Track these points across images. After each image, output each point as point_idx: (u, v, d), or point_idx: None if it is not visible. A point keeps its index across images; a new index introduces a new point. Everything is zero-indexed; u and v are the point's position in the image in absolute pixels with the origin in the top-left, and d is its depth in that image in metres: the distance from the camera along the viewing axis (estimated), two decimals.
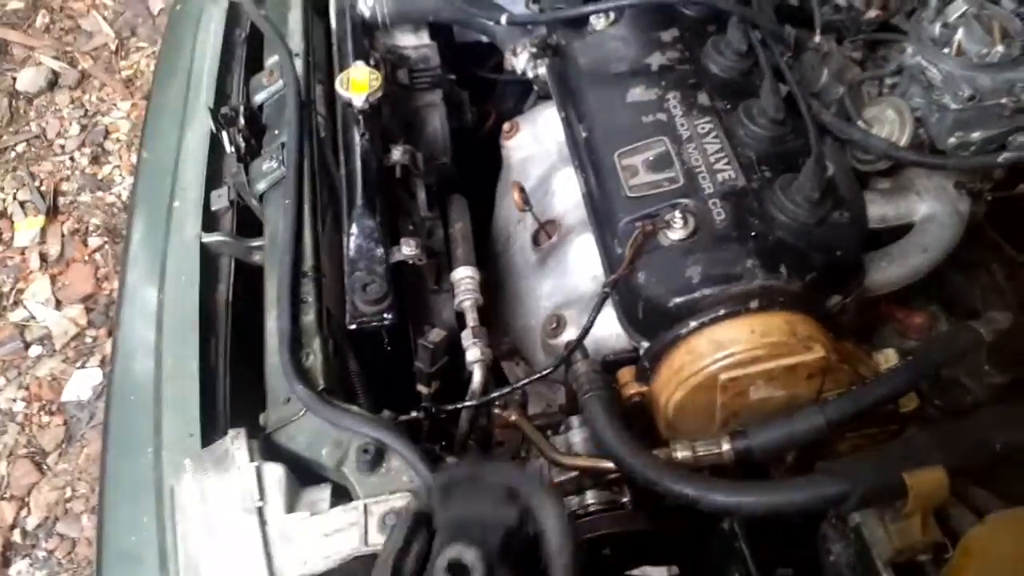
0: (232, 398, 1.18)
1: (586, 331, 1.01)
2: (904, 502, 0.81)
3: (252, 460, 0.93)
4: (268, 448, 0.98)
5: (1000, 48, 1.05)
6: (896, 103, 1.12)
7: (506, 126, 1.42)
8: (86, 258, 2.79)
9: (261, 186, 1.25)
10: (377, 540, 0.85)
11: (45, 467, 2.38)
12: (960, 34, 1.09)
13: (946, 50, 1.10)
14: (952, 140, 1.10)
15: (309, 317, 1.06)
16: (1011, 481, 0.92)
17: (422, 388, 1.11)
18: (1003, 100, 1.06)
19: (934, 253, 1.14)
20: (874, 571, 0.85)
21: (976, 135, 1.10)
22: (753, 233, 0.97)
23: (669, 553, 1.09)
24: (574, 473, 1.01)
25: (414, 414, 0.99)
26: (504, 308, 1.33)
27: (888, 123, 1.11)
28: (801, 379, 0.95)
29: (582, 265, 1.18)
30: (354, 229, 1.12)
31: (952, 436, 0.85)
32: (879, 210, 1.16)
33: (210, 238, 1.28)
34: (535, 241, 1.30)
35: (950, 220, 1.16)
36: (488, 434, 1.11)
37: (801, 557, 1.00)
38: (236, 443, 0.95)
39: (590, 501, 1.03)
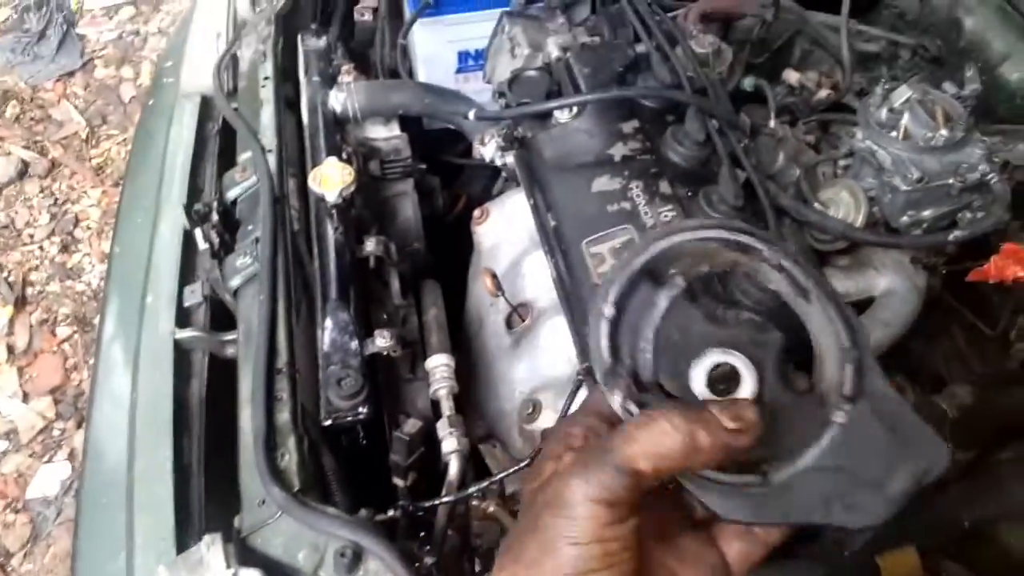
0: (207, 499, 1.17)
1: (563, 417, 1.01)
2: None
3: (228, 567, 0.92)
4: (244, 552, 0.96)
5: (944, 132, 1.11)
6: (850, 185, 1.16)
7: (477, 212, 1.45)
8: (55, 348, 2.77)
9: (235, 282, 1.26)
10: None
11: (9, 568, 2.31)
12: (905, 119, 1.15)
13: (893, 134, 1.15)
14: (904, 219, 1.15)
15: (284, 415, 1.06)
16: (979, 552, 0.93)
17: (398, 481, 1.11)
18: (950, 180, 1.11)
19: (895, 328, 1.17)
20: None
21: (927, 213, 1.14)
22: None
23: None
24: None
25: (391, 513, 0.99)
26: (478, 392, 1.33)
27: (843, 204, 1.15)
28: None
29: (556, 348, 1.20)
30: (328, 323, 1.13)
31: (921, 516, 0.87)
32: (840, 286, 1.20)
33: (183, 334, 1.28)
34: (508, 324, 1.31)
35: (909, 295, 1.19)
36: (467, 526, 1.11)
37: None
38: (211, 550, 0.94)
39: None
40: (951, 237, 1.09)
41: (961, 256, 1.25)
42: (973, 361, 1.44)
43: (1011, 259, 0.71)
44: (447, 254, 1.61)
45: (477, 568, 1.12)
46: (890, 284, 1.19)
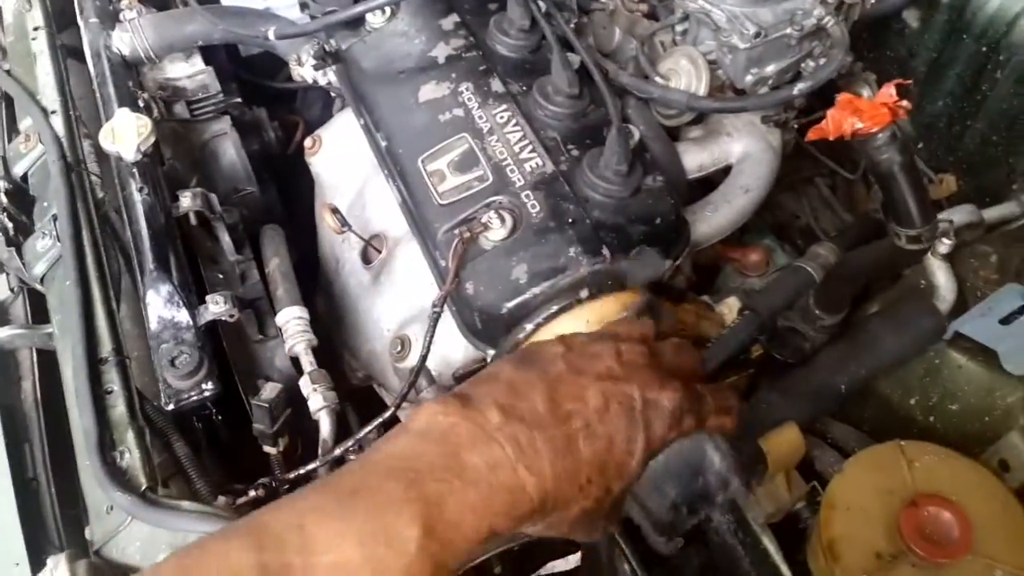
0: (65, 508, 1.06)
1: (423, 358, 0.94)
2: (765, 466, 0.79)
3: None
4: (99, 567, 0.87)
5: None
6: (688, 51, 1.09)
7: (308, 142, 1.32)
8: None
9: (40, 268, 1.10)
10: None
11: None
12: None
13: None
14: (749, 78, 1.09)
15: (118, 408, 0.94)
16: (859, 408, 0.93)
17: (269, 449, 1.03)
18: (788, 31, 1.05)
19: (756, 191, 1.13)
20: (754, 536, 0.84)
21: (770, 68, 1.09)
22: (570, 220, 0.93)
23: (563, 550, 1.06)
24: None
25: (253, 494, 0.90)
26: (348, 335, 1.24)
27: (684, 73, 1.09)
28: None
29: (415, 277, 1.11)
30: (150, 297, 1.01)
31: (799, 388, 0.85)
32: (695, 159, 1.15)
33: None
34: (364, 260, 1.22)
35: (764, 155, 1.16)
36: None
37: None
38: (57, 572, 0.84)
39: None
40: (795, 91, 1.04)
41: (812, 106, 1.21)
42: (839, 207, 1.44)
43: (847, 111, 0.66)
44: (292, 191, 1.49)
45: None
46: (744, 148, 1.15)
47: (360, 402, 1.17)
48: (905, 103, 0.67)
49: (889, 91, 0.67)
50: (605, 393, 0.59)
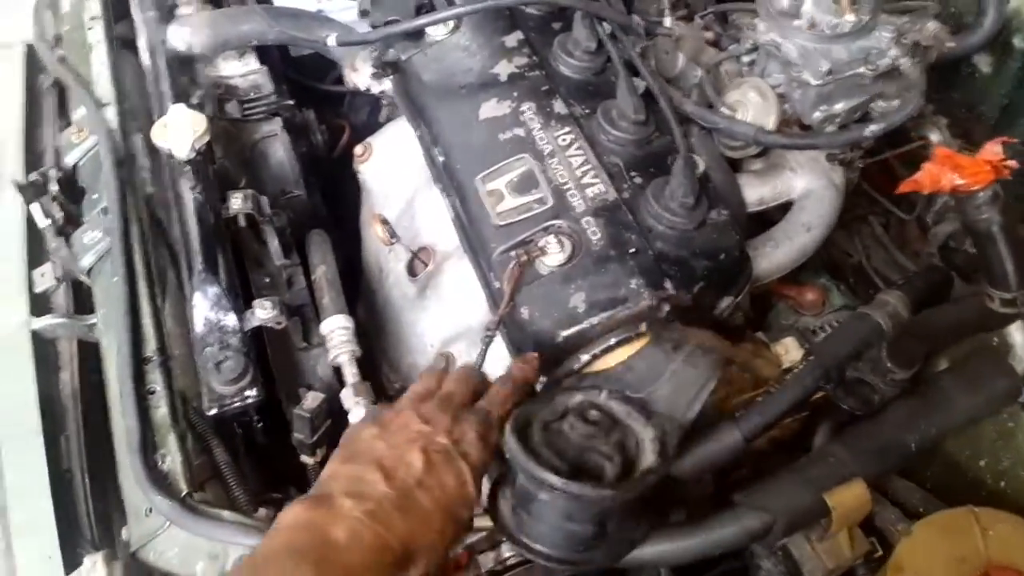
0: (100, 504, 1.04)
1: None
2: (828, 522, 0.77)
3: None
4: (136, 569, 0.86)
5: (850, 17, 1.02)
6: (758, 84, 1.07)
7: (358, 149, 1.31)
8: None
9: (87, 260, 1.10)
10: None
11: None
12: (808, 5, 1.05)
13: (797, 23, 1.06)
14: (817, 114, 1.07)
15: (161, 410, 0.93)
16: (925, 466, 0.91)
17: (306, 459, 1.01)
18: (861, 70, 1.03)
19: (818, 230, 1.11)
20: None
21: (839, 106, 1.07)
22: (632, 250, 0.91)
23: None
24: (484, 532, 0.93)
25: None
26: (388, 346, 1.23)
27: (752, 106, 1.06)
28: None
29: (463, 294, 1.09)
30: (197, 299, 1.00)
31: (867, 444, 0.82)
32: (756, 192, 1.12)
33: (41, 323, 1.13)
34: (410, 272, 1.20)
35: (827, 193, 1.13)
36: None
37: (732, 569, 0.96)
38: (93, 573, 0.83)
39: (507, 555, 0.96)
40: (867, 132, 1.01)
41: (877, 146, 1.19)
42: (892, 247, 1.41)
43: (946, 166, 0.64)
44: (337, 195, 1.47)
45: None
46: (807, 185, 1.12)
47: None
48: (1012, 163, 0.65)
49: (994, 148, 0.65)
50: (423, 450, 0.74)
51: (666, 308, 0.86)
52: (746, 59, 1.14)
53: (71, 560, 0.94)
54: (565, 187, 0.97)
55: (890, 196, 1.35)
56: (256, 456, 1.07)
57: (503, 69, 1.08)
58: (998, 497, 0.87)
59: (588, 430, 0.76)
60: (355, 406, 1.01)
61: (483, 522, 0.88)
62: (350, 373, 1.05)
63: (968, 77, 1.24)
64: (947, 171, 0.65)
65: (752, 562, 0.89)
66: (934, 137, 1.15)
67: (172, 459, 0.90)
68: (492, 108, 1.04)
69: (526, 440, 0.75)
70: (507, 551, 0.95)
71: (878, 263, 1.39)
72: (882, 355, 0.85)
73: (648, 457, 0.74)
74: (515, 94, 1.05)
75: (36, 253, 1.19)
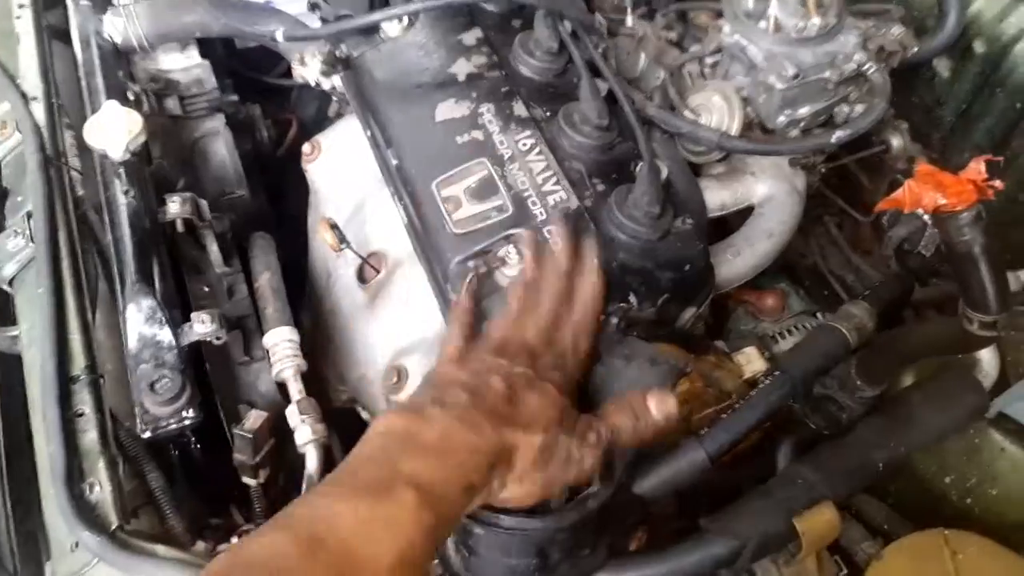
0: (20, 536, 0.97)
1: None
2: (797, 546, 0.74)
3: None
4: None
5: (816, 20, 1.00)
6: (722, 88, 1.04)
7: (306, 148, 1.25)
8: None
9: (9, 269, 1.01)
10: None
11: None
12: (774, 7, 1.03)
13: (763, 24, 1.03)
14: (782, 119, 1.05)
15: (89, 434, 0.86)
16: (893, 484, 0.89)
17: (249, 481, 0.95)
18: (826, 74, 1.00)
19: (779, 236, 1.09)
20: None
21: (804, 111, 1.04)
22: None
23: None
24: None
25: (235, 540, 0.83)
26: (337, 356, 1.17)
27: (716, 110, 1.03)
28: None
29: (416, 303, 1.04)
30: (130, 312, 0.93)
31: (835, 464, 0.80)
32: (717, 197, 1.09)
33: None
34: (360, 278, 1.14)
35: (789, 199, 1.11)
36: None
37: None
38: None
39: None
40: (833, 139, 0.99)
41: (838, 151, 1.17)
42: (847, 248, 1.40)
43: (928, 184, 0.61)
44: (283, 194, 1.41)
45: None
46: (769, 190, 1.10)
47: (340, 424, 1.10)
48: (997, 183, 0.62)
49: (978, 167, 0.62)
50: (504, 377, 0.75)
51: (615, 322, 0.83)
52: (710, 60, 1.11)
53: None
54: (525, 194, 0.93)
55: (845, 197, 1.35)
56: (194, 478, 1.01)
57: (461, 68, 1.03)
58: (964, 514, 0.85)
59: None
60: (300, 424, 0.96)
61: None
62: (295, 389, 0.99)
63: (928, 81, 1.23)
64: (929, 190, 0.62)
65: None
66: (895, 141, 1.14)
67: (101, 488, 0.83)
68: (449, 109, 0.99)
69: None
70: None
71: (833, 264, 1.38)
72: (851, 372, 0.83)
73: (593, 481, 0.71)
74: (474, 95, 1.00)
75: None
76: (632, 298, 0.85)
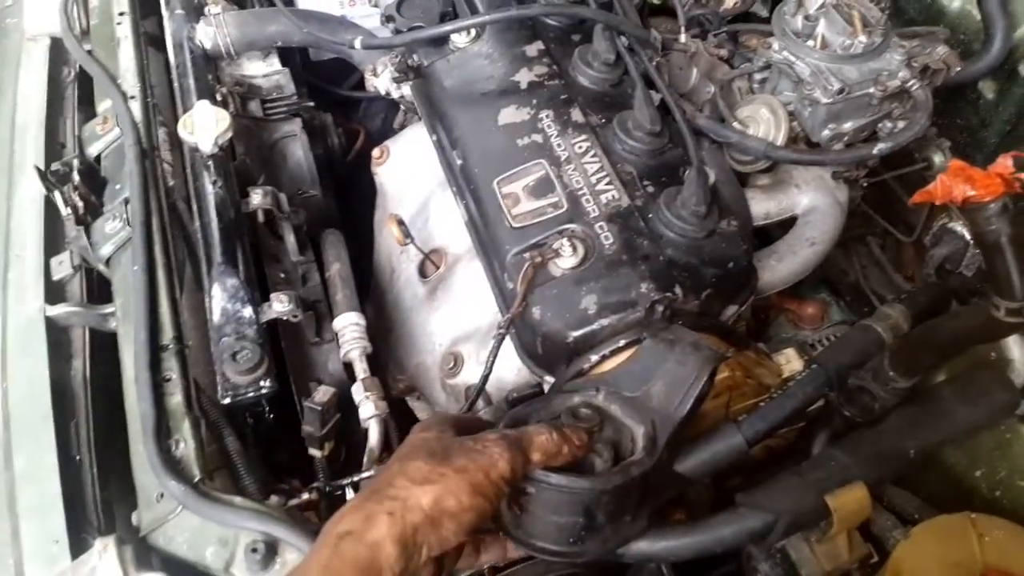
0: (103, 493, 1.06)
1: (485, 378, 0.94)
2: (829, 523, 0.78)
3: (124, 573, 0.82)
4: (144, 554, 0.87)
5: (862, 38, 1.05)
6: (769, 101, 1.10)
7: (376, 152, 1.34)
8: None
9: (106, 249, 1.12)
10: None
11: None
12: (821, 26, 1.09)
13: (810, 43, 1.09)
14: (826, 132, 1.10)
15: (176, 397, 0.95)
16: (922, 476, 0.92)
17: (315, 452, 1.03)
18: (871, 90, 1.05)
19: (821, 245, 1.13)
20: None
21: (848, 125, 1.09)
22: (643, 255, 0.93)
23: None
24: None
25: (305, 496, 0.90)
26: (396, 345, 1.25)
27: (763, 122, 1.09)
28: (708, 399, 0.92)
29: (474, 296, 1.12)
30: (216, 290, 1.02)
31: (867, 449, 0.84)
32: (762, 207, 1.15)
33: (56, 310, 1.14)
34: (421, 273, 1.22)
35: (832, 210, 1.16)
36: None
37: (729, 572, 0.98)
38: (104, 556, 0.84)
39: (511, 553, 0.98)
40: (875, 151, 1.04)
41: (879, 167, 1.22)
42: (889, 268, 1.44)
43: (959, 178, 0.66)
44: (349, 198, 1.50)
45: None
46: (812, 201, 1.15)
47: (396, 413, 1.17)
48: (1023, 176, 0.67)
49: (1006, 162, 0.67)
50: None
51: (661, 310, 0.88)
52: (758, 76, 1.17)
53: (77, 545, 0.95)
54: (580, 193, 0.99)
55: (888, 217, 1.38)
56: (265, 447, 1.09)
57: (523, 77, 1.10)
58: (993, 506, 0.88)
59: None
60: (365, 401, 1.03)
61: None
62: (360, 369, 1.07)
63: (972, 102, 1.27)
64: (960, 183, 0.67)
65: (749, 564, 0.91)
66: (937, 159, 1.18)
67: (185, 445, 0.91)
68: (511, 114, 1.07)
69: None
70: (511, 549, 0.97)
71: (874, 283, 1.41)
72: (884, 363, 0.87)
73: (638, 452, 0.76)
74: (534, 101, 1.08)
75: (54, 241, 1.21)
76: (677, 290, 0.91)
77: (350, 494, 0.96)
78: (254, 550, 0.80)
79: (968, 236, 1.10)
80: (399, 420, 1.10)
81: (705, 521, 0.80)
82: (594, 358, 0.92)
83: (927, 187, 0.70)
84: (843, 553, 0.81)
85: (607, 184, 1.00)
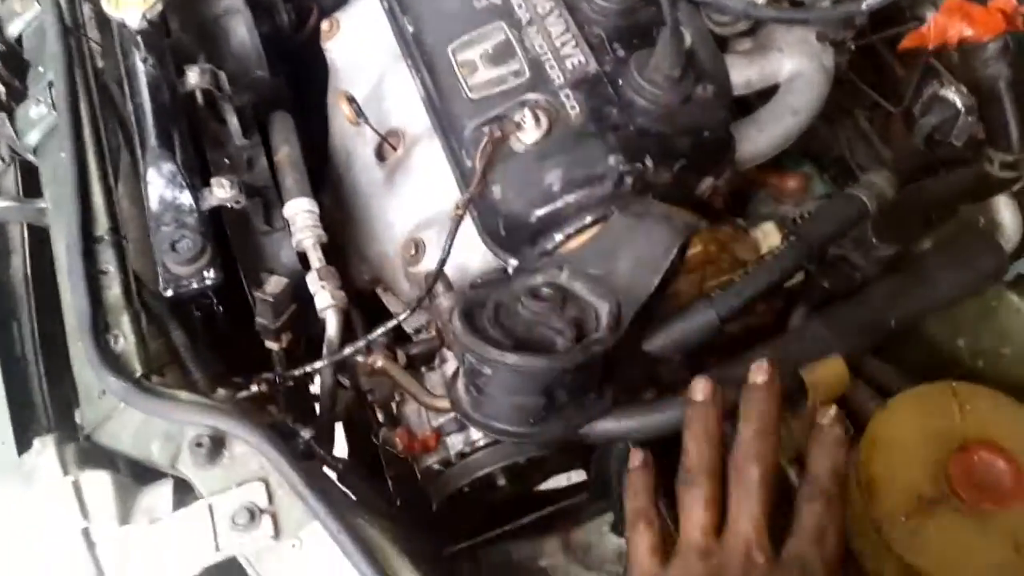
0: (54, 389, 1.02)
1: (442, 262, 0.88)
2: (804, 398, 0.75)
3: (67, 473, 0.78)
4: (88, 452, 0.83)
5: None
6: None
7: (324, 25, 1.24)
8: None
9: (33, 137, 1.03)
10: (229, 543, 0.73)
11: None
12: None
13: None
14: None
15: (113, 290, 0.89)
16: (903, 348, 0.88)
17: (271, 345, 0.98)
18: None
19: (805, 114, 1.05)
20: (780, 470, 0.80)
21: None
22: (612, 124, 0.86)
23: (566, 465, 1.03)
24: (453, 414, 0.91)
25: (254, 388, 0.85)
26: (356, 234, 1.18)
27: None
28: (681, 275, 0.87)
29: (434, 178, 1.04)
30: (151, 175, 0.94)
31: (846, 321, 0.80)
32: (742, 74, 1.06)
33: None
34: (379, 156, 1.15)
35: (817, 76, 1.07)
36: (356, 386, 1.00)
37: None
38: (43, 455, 0.80)
39: (475, 437, 0.95)
40: (864, 6, 0.95)
41: (866, 29, 1.13)
42: (876, 141, 1.37)
43: (956, 16, 0.59)
44: (304, 81, 1.40)
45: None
46: (796, 66, 1.07)
47: (363, 307, 1.12)
48: None
49: None
50: None
51: (630, 182, 0.82)
52: None
53: (25, 446, 0.91)
54: (543, 58, 0.91)
55: (876, 87, 1.30)
56: (219, 345, 1.04)
57: None
58: (975, 376, 0.85)
59: (541, 308, 0.73)
60: (320, 290, 0.97)
61: (444, 403, 0.86)
62: (315, 258, 1.00)
63: None
64: (956, 21, 0.60)
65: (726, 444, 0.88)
66: (928, 14, 1.09)
67: (125, 340, 0.86)
68: None
69: (473, 321, 0.73)
70: (475, 433, 0.94)
71: (861, 158, 1.34)
72: (867, 231, 0.82)
73: (601, 330, 0.71)
74: None
75: None
76: (648, 161, 0.84)
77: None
78: (199, 444, 0.76)
79: (960, 104, 1.03)
80: (367, 314, 1.05)
81: (672, 398, 0.76)
82: (559, 237, 0.86)
83: (919, 28, 0.63)
84: None
85: (573, 48, 0.91)
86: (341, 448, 1.28)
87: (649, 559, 0.66)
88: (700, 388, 0.71)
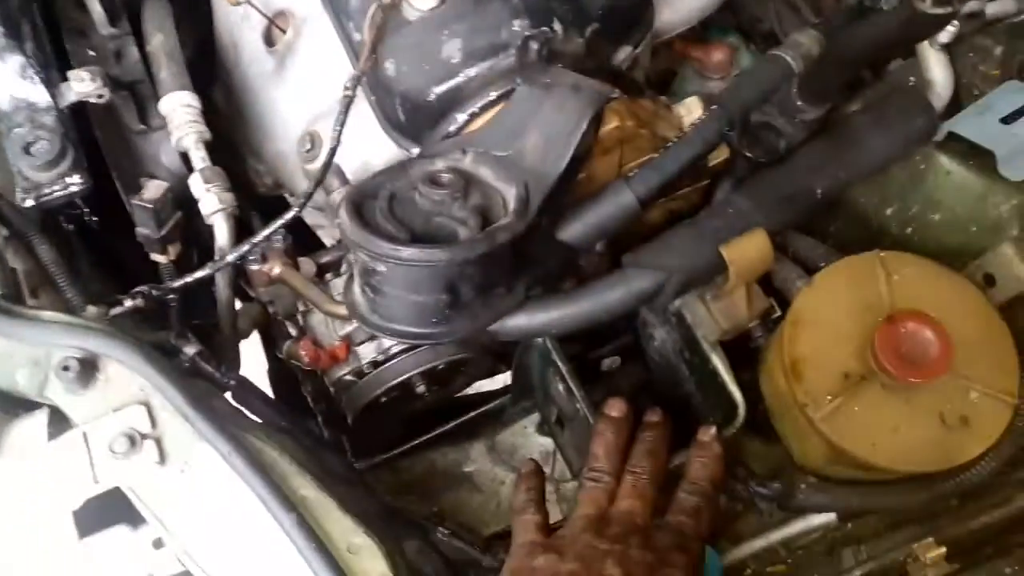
0: None
1: (332, 151, 0.80)
2: (725, 277, 0.70)
3: None
4: None
5: None
6: None
7: None
8: None
9: None
10: (109, 473, 0.66)
11: None
12: None
13: None
14: None
15: None
16: (828, 219, 0.84)
17: (158, 257, 0.89)
18: None
19: None
20: (702, 355, 0.76)
21: None
22: None
23: (491, 369, 0.98)
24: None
25: (130, 303, 0.77)
26: (251, 133, 1.08)
27: None
28: (597, 156, 0.80)
29: (327, 62, 0.94)
30: None
31: (769, 192, 0.74)
32: None
33: None
34: (267, 42, 1.03)
35: None
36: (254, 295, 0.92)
37: (626, 344, 0.91)
38: None
39: (388, 344, 0.89)
40: None
41: None
42: (804, 10, 1.30)
43: None
44: None
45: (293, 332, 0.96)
46: None
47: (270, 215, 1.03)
48: None
49: None
50: (619, 563, 0.65)
51: (536, 48, 0.74)
52: None
53: None
54: None
55: None
56: (103, 262, 0.95)
57: None
58: (904, 244, 0.81)
59: (440, 195, 0.66)
60: (205, 194, 0.88)
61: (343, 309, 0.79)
62: (198, 158, 0.91)
63: None
64: None
65: (645, 332, 0.83)
66: None
67: None
68: None
69: (362, 214, 0.65)
70: (388, 340, 0.88)
71: (790, 28, 1.27)
72: (791, 93, 0.75)
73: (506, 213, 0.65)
74: None
75: None
76: (556, 25, 0.76)
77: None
78: (65, 368, 0.68)
79: None
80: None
81: (587, 287, 0.70)
82: (462, 117, 0.78)
83: None
84: (741, 310, 0.73)
85: None
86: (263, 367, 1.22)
87: (535, 533, 0.71)
88: (616, 407, 0.75)
